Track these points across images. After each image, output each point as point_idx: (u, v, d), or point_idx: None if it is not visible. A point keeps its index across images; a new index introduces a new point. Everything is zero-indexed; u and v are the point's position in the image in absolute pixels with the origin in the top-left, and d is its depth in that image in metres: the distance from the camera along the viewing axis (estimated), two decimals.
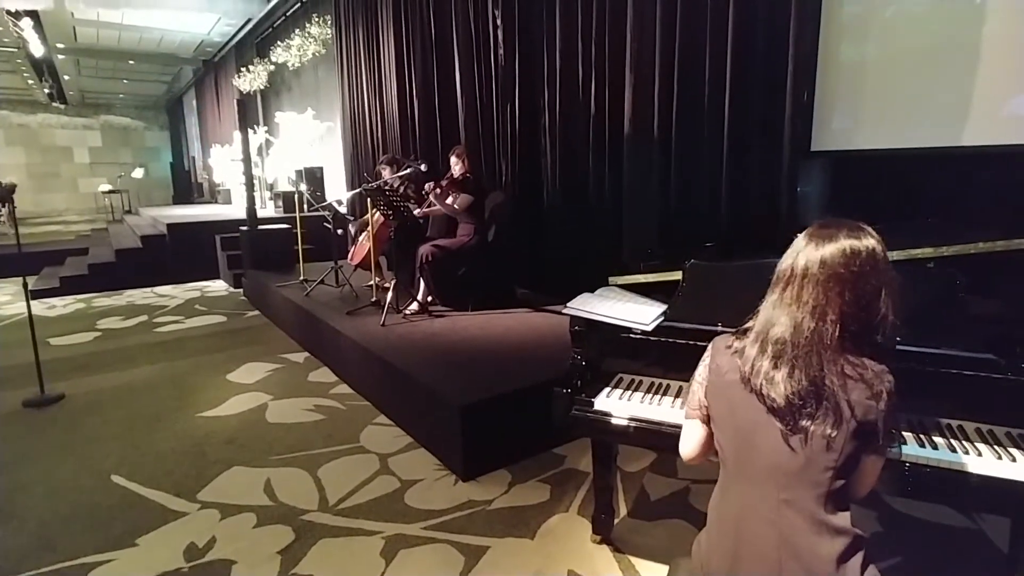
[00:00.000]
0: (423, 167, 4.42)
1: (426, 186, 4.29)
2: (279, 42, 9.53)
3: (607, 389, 1.85)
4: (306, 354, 4.57)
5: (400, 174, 4.72)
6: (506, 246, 4.62)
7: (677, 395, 1.81)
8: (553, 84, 4.61)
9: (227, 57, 13.10)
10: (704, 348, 1.28)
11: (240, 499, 2.53)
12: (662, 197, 3.90)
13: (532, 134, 4.91)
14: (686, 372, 1.84)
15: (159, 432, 3.23)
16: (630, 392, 1.83)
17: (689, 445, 1.33)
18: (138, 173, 17.35)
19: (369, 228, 4.72)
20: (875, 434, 1.10)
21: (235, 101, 7.33)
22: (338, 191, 8.52)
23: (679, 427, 1.37)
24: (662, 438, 1.65)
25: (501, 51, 5.00)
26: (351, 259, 5.24)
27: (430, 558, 2.14)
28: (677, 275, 2.10)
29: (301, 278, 5.52)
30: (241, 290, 7.03)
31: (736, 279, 1.78)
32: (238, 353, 4.63)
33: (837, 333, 1.10)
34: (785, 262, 1.19)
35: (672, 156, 3.79)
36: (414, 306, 4.26)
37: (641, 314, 1.79)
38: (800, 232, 1.20)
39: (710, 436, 1.29)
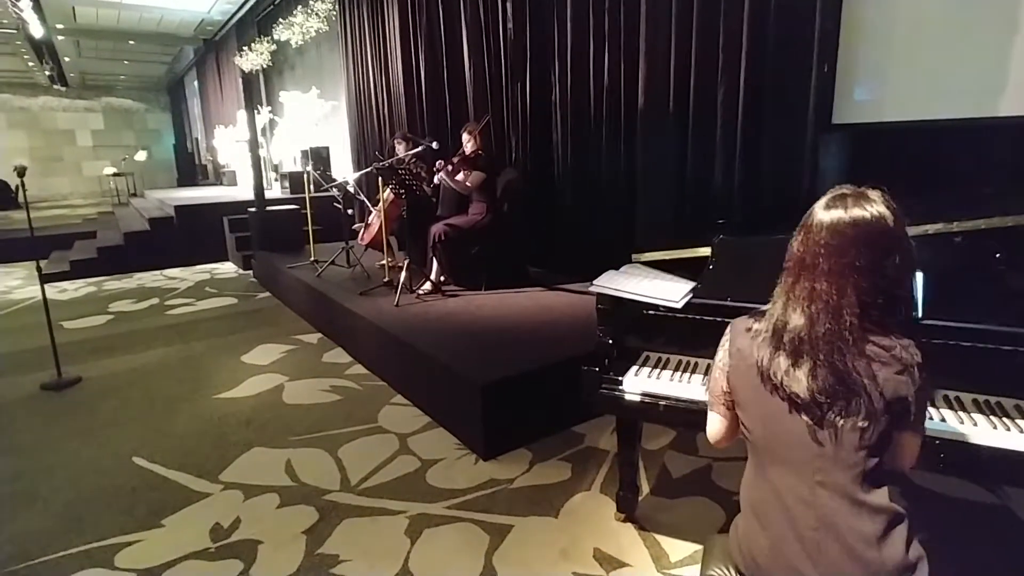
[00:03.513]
0: (435, 145, 4.35)
1: (437, 164, 4.23)
2: (281, 19, 9.36)
3: (635, 367, 1.82)
4: (319, 335, 4.57)
5: (412, 152, 4.66)
6: (519, 224, 4.57)
7: (706, 372, 1.78)
8: (564, 57, 4.51)
9: (228, 36, 12.91)
10: None
11: (262, 480, 2.54)
12: (677, 172, 3.84)
13: (543, 109, 4.82)
14: (715, 350, 1.83)
15: (177, 414, 3.23)
16: (658, 370, 1.81)
17: (715, 432, 1.30)
18: (141, 156, 17.28)
19: (380, 207, 4.68)
20: (907, 411, 1.07)
21: (239, 80, 7.21)
22: (344, 170, 8.46)
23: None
24: (692, 416, 1.63)
25: (510, 24, 4.89)
26: (362, 239, 5.20)
27: (455, 537, 2.14)
28: (701, 251, 2.07)
29: (312, 259, 5.50)
30: (251, 272, 7.02)
31: (768, 254, 1.73)
32: (251, 335, 4.63)
33: (858, 323, 1.06)
34: (793, 245, 1.14)
35: (688, 130, 3.71)
36: (427, 286, 4.23)
37: (669, 291, 1.76)
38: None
39: (736, 420, 1.25)
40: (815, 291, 1.08)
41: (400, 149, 4.98)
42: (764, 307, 1.20)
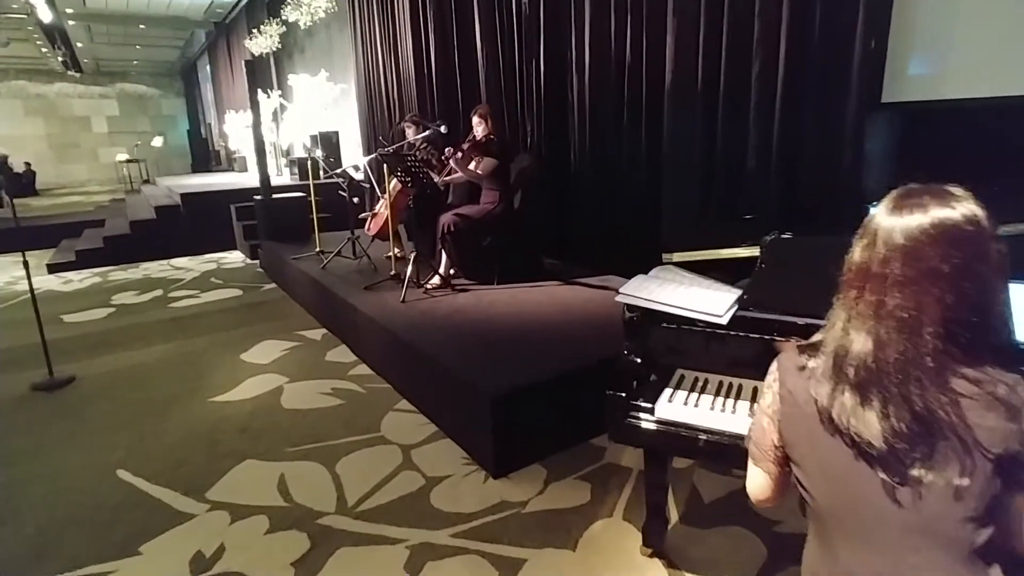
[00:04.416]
0: (443, 129, 4.07)
1: (446, 151, 3.95)
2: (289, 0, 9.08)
3: (668, 391, 1.55)
4: (324, 331, 4.35)
5: (420, 136, 4.39)
6: (533, 213, 4.28)
7: (753, 398, 1.51)
8: (582, 33, 4.18)
9: (238, 19, 12.67)
10: (790, 343, 0.98)
11: (252, 498, 2.33)
12: (706, 157, 3.52)
13: (559, 91, 4.51)
14: (764, 371, 1.55)
15: (170, 419, 3.04)
16: (696, 395, 1.53)
17: (759, 491, 1.04)
18: (157, 142, 17.19)
19: (386, 196, 4.42)
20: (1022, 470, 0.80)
21: (243, 63, 6.96)
22: (354, 155, 8.20)
23: None
24: (740, 455, 1.36)
25: (525, 0, 4.56)
26: (368, 229, 4.96)
27: (461, 572, 1.90)
28: (741, 251, 1.78)
29: (317, 249, 5.27)
30: (258, 262, 6.83)
31: (833, 258, 1.45)
32: (254, 330, 4.42)
33: (941, 346, 0.79)
34: (856, 251, 0.87)
35: (719, 111, 3.39)
36: (436, 280, 3.98)
37: (710, 302, 1.48)
38: (873, 203, 0.88)
39: (786, 476, 1.00)
40: (884, 305, 0.82)
41: (409, 133, 4.71)
42: (816, 337, 0.94)
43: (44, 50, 15.79)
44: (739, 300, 1.50)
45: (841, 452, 0.85)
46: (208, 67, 16.89)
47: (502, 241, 4.03)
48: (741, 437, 1.39)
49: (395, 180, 4.21)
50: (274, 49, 10.96)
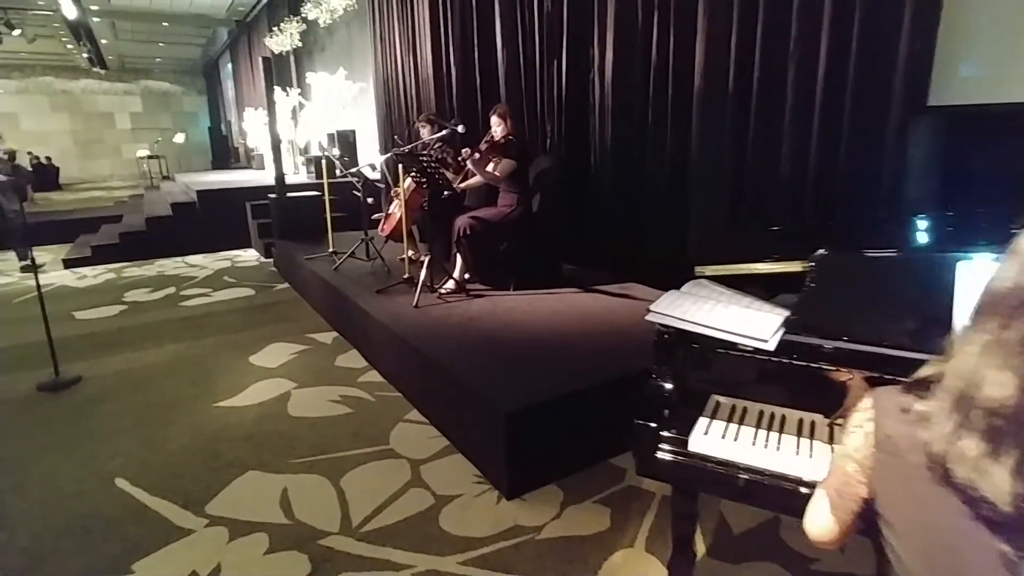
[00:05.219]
0: (461, 128, 3.94)
1: (463, 151, 3.82)
2: None
3: (703, 421, 1.40)
4: (335, 334, 4.24)
5: (436, 136, 4.27)
6: (552, 217, 4.14)
7: (799, 431, 1.35)
8: (605, 32, 4.04)
9: (259, 17, 12.70)
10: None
11: (253, 514, 2.21)
12: (736, 162, 3.35)
13: (580, 91, 4.36)
14: (811, 402, 1.40)
15: (173, 425, 2.94)
16: (736, 425, 1.38)
17: (823, 532, 0.91)
18: (179, 138, 17.36)
19: (400, 197, 4.30)
20: None
21: (260, 59, 6.91)
22: (371, 154, 8.12)
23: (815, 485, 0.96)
24: (787, 498, 1.21)
25: None
26: (381, 230, 4.84)
27: None
28: (779, 265, 1.62)
29: (330, 250, 5.17)
30: (272, 260, 6.77)
31: (891, 277, 1.30)
32: (264, 331, 4.33)
33: None
34: (1005, 279, 0.72)
35: (751, 113, 3.22)
36: (450, 284, 3.85)
37: (755, 323, 1.33)
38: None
39: (855, 519, 0.86)
40: None
41: (425, 132, 4.59)
42: (925, 374, 0.79)
43: (70, 47, 16.00)
44: (786, 322, 1.34)
45: (951, 513, 0.70)
46: (229, 65, 17.00)
47: (520, 246, 3.89)
48: (787, 478, 1.25)
49: (409, 180, 4.09)
50: (294, 47, 10.95)
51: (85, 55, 16.32)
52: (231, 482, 2.43)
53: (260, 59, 7.27)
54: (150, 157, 15.18)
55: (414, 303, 3.59)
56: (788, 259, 1.58)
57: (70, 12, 11.45)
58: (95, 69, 18.44)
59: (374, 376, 3.47)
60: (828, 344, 1.24)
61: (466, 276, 3.95)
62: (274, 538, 2.08)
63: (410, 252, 4.66)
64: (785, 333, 1.32)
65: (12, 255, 6.81)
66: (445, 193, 3.87)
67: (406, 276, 4.09)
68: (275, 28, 10.88)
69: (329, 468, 2.51)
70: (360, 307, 3.71)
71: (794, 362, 1.26)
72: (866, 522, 0.84)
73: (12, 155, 6.19)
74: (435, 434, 2.78)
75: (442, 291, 3.81)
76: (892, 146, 2.73)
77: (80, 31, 14.08)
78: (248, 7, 12.86)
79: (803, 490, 1.20)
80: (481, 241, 3.80)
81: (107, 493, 2.39)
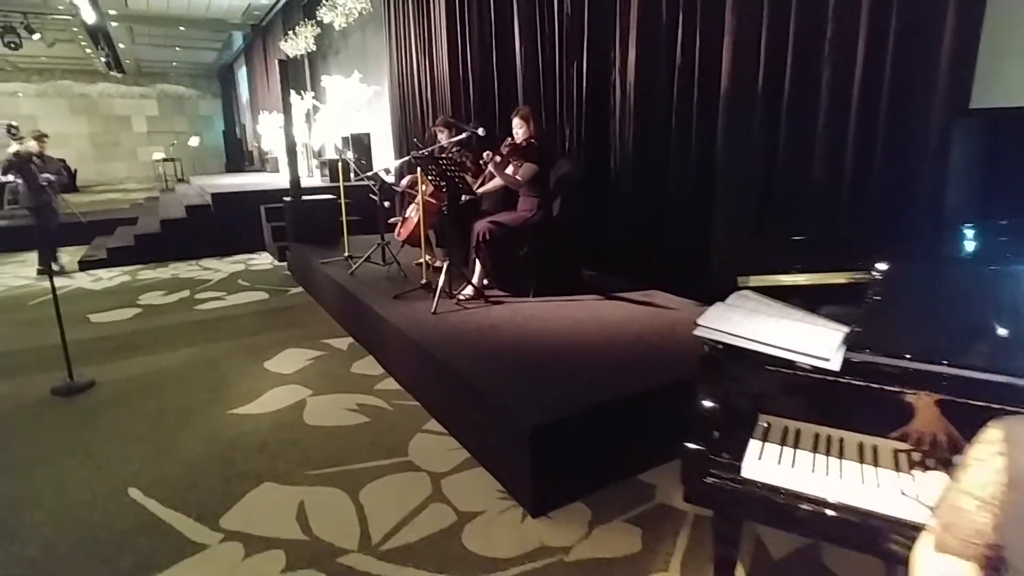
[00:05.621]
0: (480, 132, 3.86)
1: (484, 154, 3.74)
2: (324, 1, 9.04)
3: (755, 444, 1.30)
4: (350, 340, 4.17)
5: (455, 139, 4.19)
6: (572, 222, 4.04)
7: (861, 457, 1.24)
8: (628, 31, 3.95)
9: (275, 21, 12.76)
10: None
11: (269, 529, 2.13)
12: (765, 166, 3.24)
13: (601, 93, 4.27)
14: (873, 424, 1.30)
15: (186, 432, 2.88)
16: (791, 449, 1.28)
17: None
18: (194, 141, 17.46)
19: (418, 200, 4.23)
20: None
21: (276, 62, 6.89)
22: (385, 158, 8.08)
23: (893, 521, 0.87)
24: (857, 533, 1.10)
25: None
26: (398, 234, 4.78)
27: None
28: (829, 276, 1.52)
29: (346, 254, 5.11)
30: (286, 264, 6.73)
31: (970, 292, 1.19)
32: (279, 336, 4.27)
33: None
34: None
35: (782, 116, 3.12)
36: (468, 290, 3.77)
37: (813, 339, 1.23)
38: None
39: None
40: None
41: (442, 137, 4.52)
42: None
43: (88, 51, 16.16)
44: (847, 339, 1.24)
45: None
46: (244, 69, 17.10)
47: (539, 251, 3.80)
48: (854, 509, 1.14)
49: (428, 183, 4.02)
50: (309, 51, 10.96)
51: (103, 59, 16.50)
52: (246, 494, 2.35)
53: (276, 62, 7.26)
54: (165, 160, 15.27)
55: (433, 309, 3.51)
56: (838, 270, 1.49)
57: (89, 17, 11.56)
58: (112, 73, 18.65)
59: (391, 384, 3.39)
60: (900, 364, 1.14)
61: (484, 282, 3.86)
62: (291, 555, 2.00)
63: (427, 257, 4.59)
64: (847, 351, 1.22)
65: (29, 256, 6.82)
66: (463, 198, 3.80)
67: (423, 282, 4.01)
68: (290, 32, 10.90)
69: (346, 480, 2.43)
70: (377, 313, 3.64)
71: (860, 383, 1.16)
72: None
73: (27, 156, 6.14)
74: (455, 446, 2.69)
75: (460, 297, 3.73)
76: (932, 150, 2.62)
77: (98, 35, 14.23)
78: (264, 11, 12.92)
79: (873, 524, 1.09)
80: (500, 246, 3.72)
81: (119, 503, 2.32)
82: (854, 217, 2.87)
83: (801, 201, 3.10)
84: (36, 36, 12.51)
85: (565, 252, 4.02)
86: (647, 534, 2.06)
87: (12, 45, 12.43)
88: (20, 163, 5.95)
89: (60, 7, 12.07)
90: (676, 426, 2.44)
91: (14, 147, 5.96)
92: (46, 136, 6.41)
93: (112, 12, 12.62)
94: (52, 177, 6.22)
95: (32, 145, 6.09)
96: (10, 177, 6.33)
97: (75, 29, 13.90)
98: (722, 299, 1.52)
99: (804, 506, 1.16)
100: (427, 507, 2.24)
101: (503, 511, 2.21)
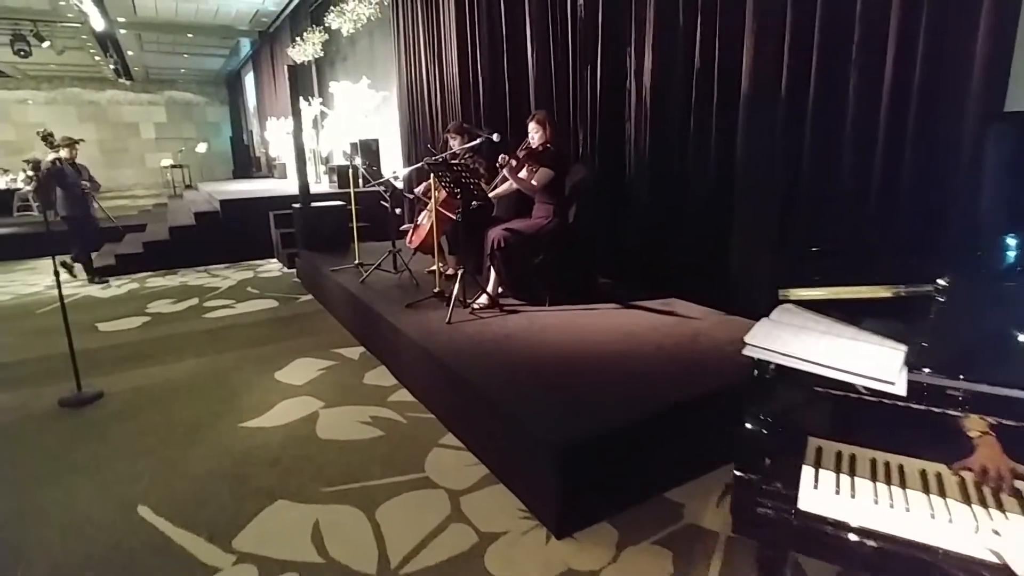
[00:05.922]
0: (495, 137, 3.79)
1: (500, 158, 3.66)
2: (332, 7, 9.02)
3: (808, 471, 1.21)
4: (362, 349, 4.10)
5: (468, 145, 4.13)
6: (588, 229, 3.96)
7: (926, 486, 1.15)
8: (643, 35, 3.87)
9: (282, 27, 12.77)
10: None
11: (283, 551, 2.05)
12: (789, 172, 3.16)
13: (616, 97, 4.19)
14: (936, 450, 1.21)
15: (197, 446, 2.81)
16: (847, 477, 1.19)
17: None
18: (202, 148, 17.51)
19: (431, 207, 4.16)
20: None
21: (285, 67, 6.86)
22: (394, 164, 8.03)
23: (972, 561, 0.79)
24: (934, 574, 1.01)
25: (580, 1, 4.28)
26: (409, 242, 4.71)
27: None
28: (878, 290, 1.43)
29: (356, 261, 5.04)
30: (295, 271, 6.67)
31: None
32: (289, 346, 4.21)
33: None
34: None
35: (807, 120, 3.03)
36: (483, 299, 3.69)
37: (874, 360, 1.14)
38: None
39: None
40: None
41: (454, 143, 4.45)
42: None
43: (97, 58, 16.23)
44: (908, 359, 1.15)
45: None
46: (251, 75, 17.14)
47: (555, 259, 3.71)
48: (928, 548, 1.05)
49: (441, 190, 3.95)
50: (316, 56, 10.94)
51: (112, 66, 16.57)
52: (259, 512, 2.27)
53: (284, 68, 7.22)
54: (173, 166, 15.30)
55: (447, 319, 3.43)
56: (889, 283, 1.40)
57: (98, 24, 11.60)
58: (121, 80, 18.73)
59: (405, 395, 3.31)
60: (973, 388, 1.05)
61: (499, 290, 3.78)
62: None
63: (440, 265, 4.52)
64: (910, 372, 1.13)
65: (39, 263, 6.78)
66: (474, 203, 3.72)
67: (436, 290, 3.94)
68: (297, 38, 10.90)
69: (362, 498, 2.35)
70: (389, 322, 3.56)
71: (931, 408, 1.08)
72: None
73: (36, 164, 6.10)
74: (473, 461, 2.61)
75: (475, 306, 3.65)
76: (966, 156, 2.53)
77: (107, 43, 14.29)
78: (271, 17, 12.93)
79: (948, 564, 1.00)
80: (515, 254, 3.64)
81: (129, 521, 2.25)
82: (883, 225, 2.78)
83: (826, 208, 3.01)
84: (46, 44, 12.55)
85: (581, 259, 3.94)
86: (678, 558, 1.97)
87: (22, 53, 12.47)
88: (59, 172, 5.91)
89: (69, 15, 12.11)
90: (703, 442, 2.37)
91: (51, 156, 5.88)
92: (78, 142, 6.29)
93: (121, 19, 12.67)
94: (87, 184, 6.21)
95: (63, 152, 6.04)
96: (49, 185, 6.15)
97: (84, 37, 13.96)
98: (740, 306, 1.43)
99: (870, 542, 1.07)
100: (447, 527, 2.16)
101: (526, 532, 2.12)
